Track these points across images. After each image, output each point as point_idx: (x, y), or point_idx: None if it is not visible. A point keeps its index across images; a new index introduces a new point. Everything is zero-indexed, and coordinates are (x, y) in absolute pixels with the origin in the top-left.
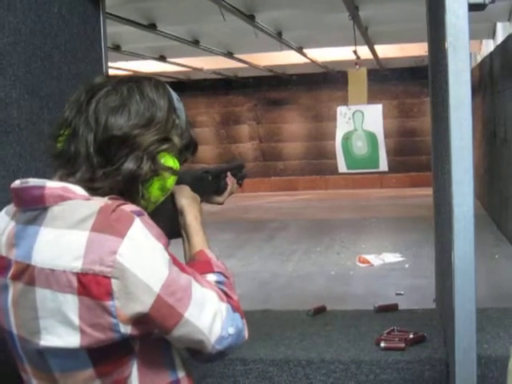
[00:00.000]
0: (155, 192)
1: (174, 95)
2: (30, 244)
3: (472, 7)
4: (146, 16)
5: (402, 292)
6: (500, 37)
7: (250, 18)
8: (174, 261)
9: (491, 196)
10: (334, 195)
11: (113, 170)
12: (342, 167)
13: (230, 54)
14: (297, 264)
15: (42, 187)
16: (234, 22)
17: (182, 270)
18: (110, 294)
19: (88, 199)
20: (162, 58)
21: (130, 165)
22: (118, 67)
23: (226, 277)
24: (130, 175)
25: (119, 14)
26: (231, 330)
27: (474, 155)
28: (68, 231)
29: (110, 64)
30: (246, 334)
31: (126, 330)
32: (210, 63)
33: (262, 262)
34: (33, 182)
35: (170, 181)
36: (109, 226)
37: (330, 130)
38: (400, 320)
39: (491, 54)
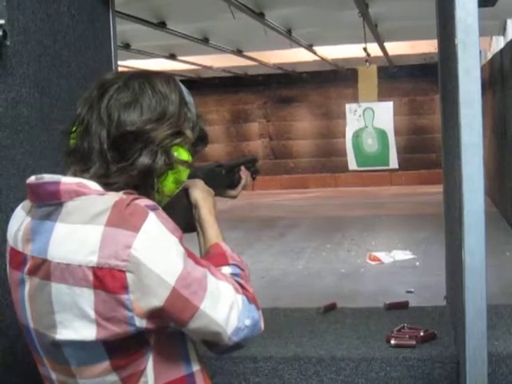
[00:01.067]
0: (170, 185)
1: (184, 89)
2: (45, 239)
3: (482, 3)
4: (155, 14)
5: (413, 290)
6: (510, 33)
7: (260, 16)
8: (189, 254)
9: (502, 193)
10: (344, 193)
11: (127, 165)
12: (353, 164)
13: (239, 52)
14: (307, 262)
15: (57, 183)
16: (244, 19)
17: (197, 262)
18: (125, 288)
19: (102, 194)
20: (172, 57)
21: (145, 159)
22: (128, 66)
23: (241, 269)
24: (145, 169)
25: (129, 12)
26: (247, 322)
27: (485, 152)
28: (83, 226)
29: (119, 62)
30: (262, 326)
31: (141, 323)
32: (219, 61)
33: (272, 260)
34: (48, 177)
35: (184, 174)
36: (123, 221)
37: (340, 128)
38: (410, 317)
39: (501, 50)
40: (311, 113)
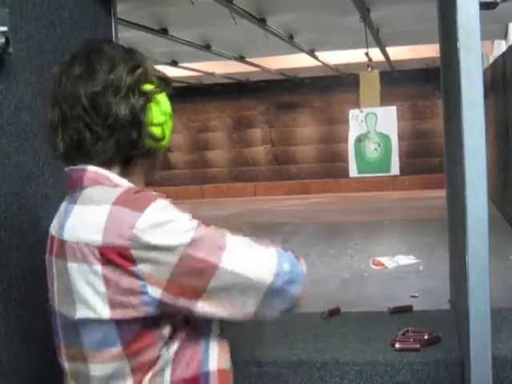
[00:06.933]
0: (158, 117)
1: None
2: (65, 221)
3: (483, 6)
4: (157, 21)
5: (417, 294)
6: None
7: (262, 22)
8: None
9: (505, 197)
10: (347, 198)
11: (113, 122)
12: (353, 171)
13: (241, 58)
14: (310, 267)
15: (84, 170)
16: (246, 25)
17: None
18: (132, 261)
19: (116, 186)
20: (174, 63)
21: (120, 107)
22: None
23: None
24: (124, 116)
25: (131, 19)
26: (286, 266)
27: (487, 156)
28: (92, 207)
29: None
30: (304, 267)
31: (155, 292)
32: (221, 67)
33: None
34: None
35: (163, 100)
36: (129, 202)
37: (343, 133)
38: (414, 321)
39: (503, 54)
40: (313, 118)
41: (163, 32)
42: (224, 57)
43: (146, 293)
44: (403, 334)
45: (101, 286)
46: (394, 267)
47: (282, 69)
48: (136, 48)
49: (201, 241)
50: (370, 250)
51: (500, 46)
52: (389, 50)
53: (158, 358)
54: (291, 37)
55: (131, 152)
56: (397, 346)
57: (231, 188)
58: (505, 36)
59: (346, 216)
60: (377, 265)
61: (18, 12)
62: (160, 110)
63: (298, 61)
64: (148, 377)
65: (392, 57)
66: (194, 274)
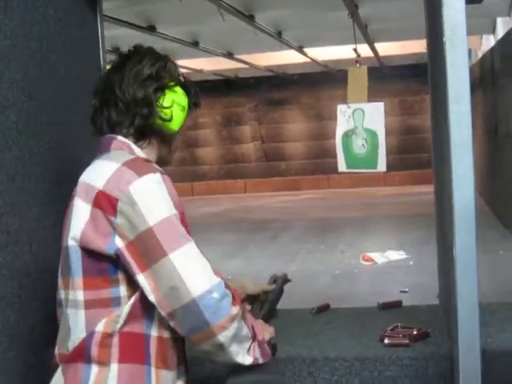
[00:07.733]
0: (168, 102)
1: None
2: (86, 169)
3: (469, 0)
4: (145, 18)
5: (407, 289)
6: (500, 32)
7: (250, 18)
8: (183, 221)
9: (494, 192)
10: (337, 194)
11: (131, 100)
12: (342, 166)
13: (230, 55)
14: (301, 263)
15: (114, 138)
16: (234, 22)
17: (188, 232)
18: (115, 212)
19: (133, 154)
20: None
21: (139, 90)
22: None
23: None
24: (142, 96)
25: (118, 16)
26: (217, 296)
27: (476, 151)
28: (108, 162)
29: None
30: (234, 311)
31: (118, 242)
32: (210, 64)
33: (266, 262)
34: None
35: (180, 92)
36: (135, 166)
37: (332, 129)
38: (404, 316)
39: (492, 49)
40: (303, 115)
41: (151, 29)
42: (212, 53)
43: (112, 239)
44: (392, 330)
45: (84, 221)
46: (384, 262)
47: (271, 65)
48: (123, 46)
49: (167, 227)
50: (361, 246)
51: (488, 41)
52: (377, 45)
53: (112, 302)
54: (280, 33)
55: (143, 124)
56: (386, 341)
57: (221, 185)
58: (493, 31)
59: (336, 212)
60: (367, 260)
61: (2, 9)
62: (173, 98)
63: (287, 57)
64: (103, 321)
65: (381, 52)
66: (147, 250)
